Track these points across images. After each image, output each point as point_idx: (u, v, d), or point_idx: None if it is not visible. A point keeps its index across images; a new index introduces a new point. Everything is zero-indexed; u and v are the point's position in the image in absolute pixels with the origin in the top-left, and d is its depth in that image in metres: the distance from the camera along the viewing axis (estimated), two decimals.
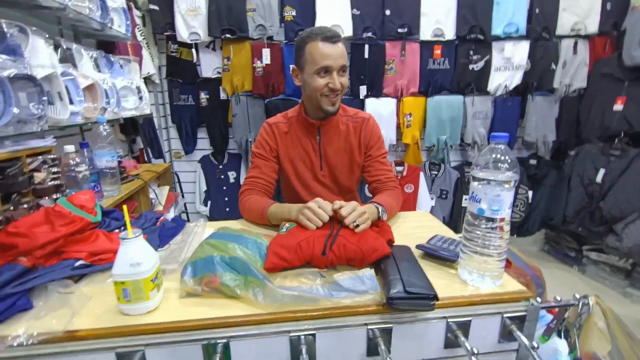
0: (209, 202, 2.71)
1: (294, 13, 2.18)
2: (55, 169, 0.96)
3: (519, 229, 2.78)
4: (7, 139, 0.82)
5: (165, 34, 2.22)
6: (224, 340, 0.56)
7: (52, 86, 0.98)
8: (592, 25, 2.31)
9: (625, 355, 0.67)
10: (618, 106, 2.30)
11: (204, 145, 2.64)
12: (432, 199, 2.65)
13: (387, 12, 2.22)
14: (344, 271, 0.65)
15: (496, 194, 0.59)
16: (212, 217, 2.68)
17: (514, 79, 2.42)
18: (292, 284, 0.64)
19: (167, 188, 1.81)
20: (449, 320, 0.61)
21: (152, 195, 1.61)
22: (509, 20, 2.27)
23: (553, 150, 2.66)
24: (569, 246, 2.75)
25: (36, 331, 0.50)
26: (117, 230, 0.83)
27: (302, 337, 0.58)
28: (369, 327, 0.59)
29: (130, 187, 1.40)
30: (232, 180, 2.70)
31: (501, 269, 0.64)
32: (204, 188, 2.70)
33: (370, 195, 1.14)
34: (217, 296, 0.62)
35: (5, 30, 0.84)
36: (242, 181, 2.72)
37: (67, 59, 1.13)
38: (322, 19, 2.17)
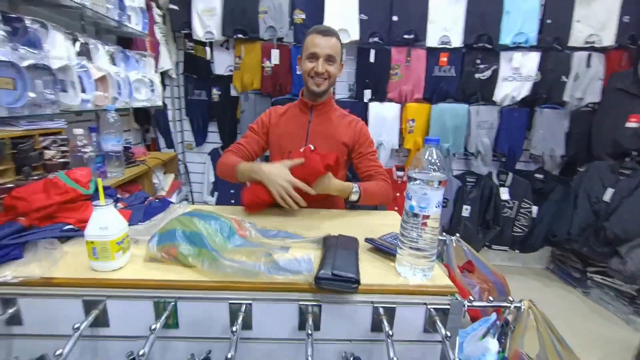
0: (216, 193, 2.85)
1: (303, 16, 2.27)
2: (63, 148, 1.09)
3: (521, 244, 2.73)
4: (22, 119, 0.96)
5: (183, 32, 2.38)
6: (173, 301, 0.65)
7: (67, 76, 1.12)
8: (608, 38, 2.25)
9: (549, 357, 0.70)
10: (632, 123, 2.22)
11: (214, 138, 2.78)
12: None
13: (395, 18, 2.26)
14: (286, 254, 0.73)
15: (423, 193, 0.64)
16: None
17: (522, 90, 2.39)
18: (240, 259, 0.72)
19: (172, 176, 1.95)
20: (375, 304, 0.67)
21: (155, 181, 1.75)
22: (519, 30, 2.25)
23: (562, 165, 2.59)
24: (574, 266, 2.67)
25: (20, 274, 0.61)
26: None
27: (242, 305, 0.66)
28: (300, 303, 0.67)
29: (135, 171, 1.54)
30: None
31: (431, 262, 0.70)
32: (212, 179, 2.84)
33: None
34: (174, 263, 0.71)
35: (29, 25, 0.98)
36: None
37: (84, 52, 1.28)
38: (330, 23, 2.24)
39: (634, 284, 2.20)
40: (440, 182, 0.64)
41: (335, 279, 0.63)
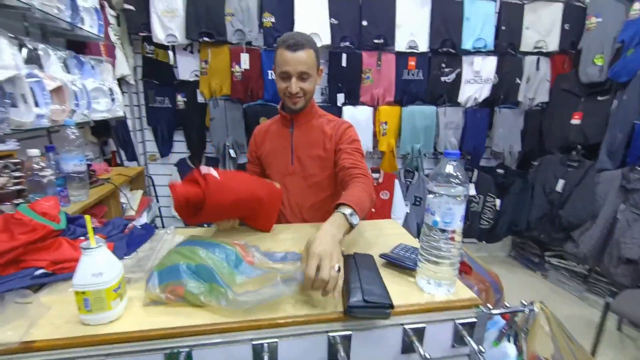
0: None
1: (272, 19, 2.20)
2: (17, 174, 0.93)
3: (487, 235, 2.92)
4: None
5: (141, 34, 2.18)
6: (187, 349, 0.57)
7: (16, 88, 0.95)
8: (553, 43, 2.48)
9: (565, 357, 0.73)
10: (575, 120, 2.48)
11: (180, 148, 2.59)
12: (406, 205, 2.73)
13: (364, 23, 2.29)
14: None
15: (448, 207, 0.63)
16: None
17: (483, 92, 2.55)
18: (255, 289, 0.65)
19: (140, 192, 1.77)
20: (405, 326, 0.65)
21: (123, 200, 1.57)
22: (478, 35, 2.40)
23: (519, 160, 2.82)
24: (533, 252, 2.92)
25: None
26: (82, 238, 0.82)
27: (265, 344, 0.60)
28: (330, 334, 0.62)
29: (100, 192, 1.37)
30: None
31: (454, 277, 0.69)
32: None
33: None
34: (181, 304, 0.63)
35: None
36: None
37: (33, 59, 1.10)
38: (301, 27, 2.20)
39: (585, 264, 2.46)
40: (465, 196, 0.63)
41: (368, 306, 0.60)
